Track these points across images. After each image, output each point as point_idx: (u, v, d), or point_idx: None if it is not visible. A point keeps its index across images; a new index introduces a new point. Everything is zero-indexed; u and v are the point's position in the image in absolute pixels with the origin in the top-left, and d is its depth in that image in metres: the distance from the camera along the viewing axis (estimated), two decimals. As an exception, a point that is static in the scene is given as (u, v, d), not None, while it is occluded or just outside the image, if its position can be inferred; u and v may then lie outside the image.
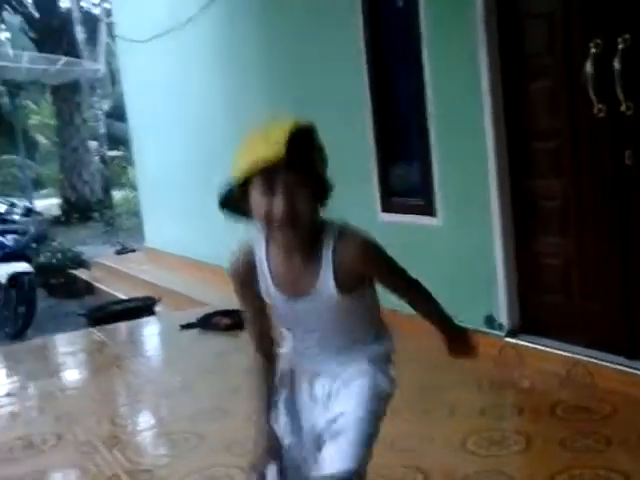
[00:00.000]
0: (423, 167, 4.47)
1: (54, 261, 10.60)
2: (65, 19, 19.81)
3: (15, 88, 14.47)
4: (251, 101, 6.43)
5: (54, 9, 20.24)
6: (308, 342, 1.91)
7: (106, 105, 23.21)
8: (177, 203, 8.56)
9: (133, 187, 12.78)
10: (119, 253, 11.64)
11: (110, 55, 20.40)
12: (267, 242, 1.81)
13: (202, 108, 7.49)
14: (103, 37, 19.88)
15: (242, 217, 1.77)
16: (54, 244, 11.33)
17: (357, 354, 1.89)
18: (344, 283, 1.77)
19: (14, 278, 7.97)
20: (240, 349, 4.66)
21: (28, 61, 14.62)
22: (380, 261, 1.85)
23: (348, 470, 1.75)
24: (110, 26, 13.35)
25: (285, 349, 1.98)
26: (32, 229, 8.67)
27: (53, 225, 14.61)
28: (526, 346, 3.86)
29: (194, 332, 5.54)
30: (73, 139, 19.74)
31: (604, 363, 3.42)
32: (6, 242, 8.26)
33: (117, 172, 20.04)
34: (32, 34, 20.41)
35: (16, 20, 22.44)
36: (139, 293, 7.94)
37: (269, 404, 1.93)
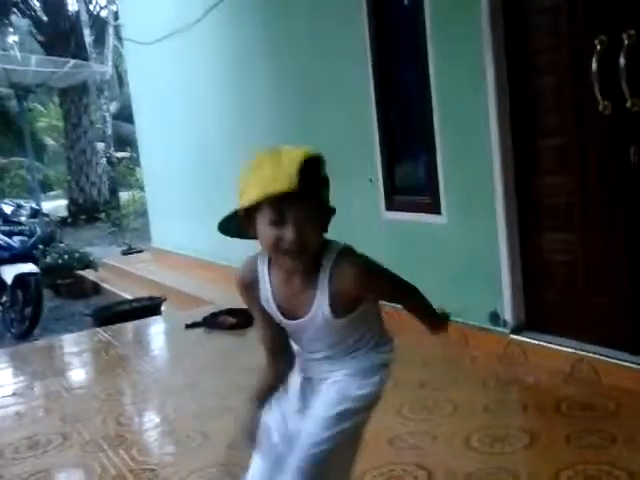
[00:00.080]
0: (428, 165, 4.46)
1: (61, 262, 10.62)
2: (73, 22, 19.89)
3: (23, 91, 14.48)
4: (257, 101, 6.44)
5: (62, 12, 20.35)
6: (310, 350, 1.94)
7: (113, 107, 23.26)
8: (183, 204, 8.58)
9: (140, 188, 12.80)
10: (126, 253, 11.68)
11: (118, 57, 20.47)
12: (269, 261, 1.85)
13: (209, 109, 7.50)
14: (110, 40, 19.91)
15: (242, 237, 1.82)
16: (61, 245, 11.36)
17: (348, 362, 1.92)
18: (339, 308, 1.81)
19: (21, 279, 7.99)
20: (245, 348, 4.67)
21: (36, 64, 14.63)
22: (379, 284, 1.88)
23: None
24: (118, 29, 13.37)
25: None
26: (39, 230, 8.68)
27: (60, 226, 14.64)
28: (531, 343, 3.85)
29: (199, 331, 5.54)
30: (81, 141, 19.83)
31: (609, 360, 3.40)
32: (13, 243, 8.28)
33: (124, 173, 20.08)
34: (40, 37, 20.52)
35: (24, 23, 22.56)
36: (145, 293, 7.95)
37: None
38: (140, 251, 11.34)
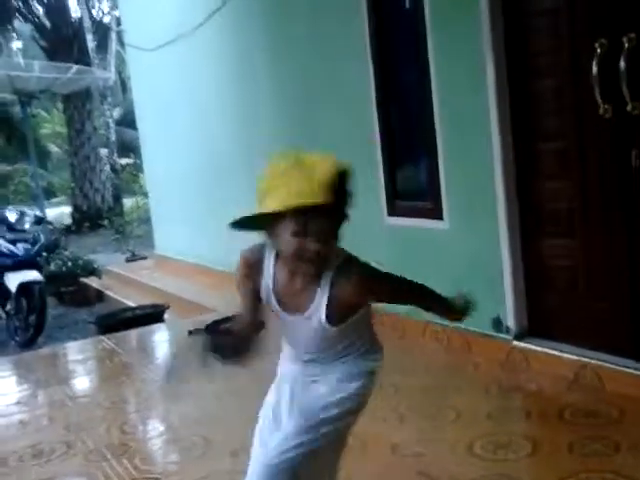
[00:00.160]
0: (429, 169, 4.46)
1: (65, 269, 10.63)
2: (76, 28, 19.94)
3: (27, 97, 14.52)
4: (260, 105, 6.44)
5: (65, 18, 20.41)
6: (297, 350, 1.98)
7: (116, 113, 23.32)
8: (186, 210, 8.58)
9: (144, 194, 12.81)
10: (129, 261, 11.69)
11: (121, 63, 20.51)
12: (277, 255, 1.86)
13: (211, 115, 7.51)
14: (113, 45, 19.98)
15: (253, 232, 1.83)
16: (65, 252, 11.36)
17: (337, 367, 1.95)
18: (335, 315, 1.83)
19: (25, 287, 7.99)
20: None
21: (39, 70, 14.68)
22: (380, 288, 1.89)
23: None
24: (120, 34, 13.41)
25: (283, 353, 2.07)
26: (42, 238, 8.69)
27: (64, 233, 14.67)
28: (533, 349, 3.84)
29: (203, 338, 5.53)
30: (84, 147, 19.87)
31: (612, 366, 3.39)
32: (17, 251, 8.28)
33: (128, 180, 20.09)
34: (43, 43, 20.57)
35: (27, 29, 22.62)
36: (149, 300, 7.96)
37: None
38: (144, 258, 11.35)
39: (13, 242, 8.39)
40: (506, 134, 3.85)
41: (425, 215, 4.53)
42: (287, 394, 1.99)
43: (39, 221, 9.30)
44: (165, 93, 8.68)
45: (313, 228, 1.69)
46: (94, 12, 20.90)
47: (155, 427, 4.01)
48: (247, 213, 1.78)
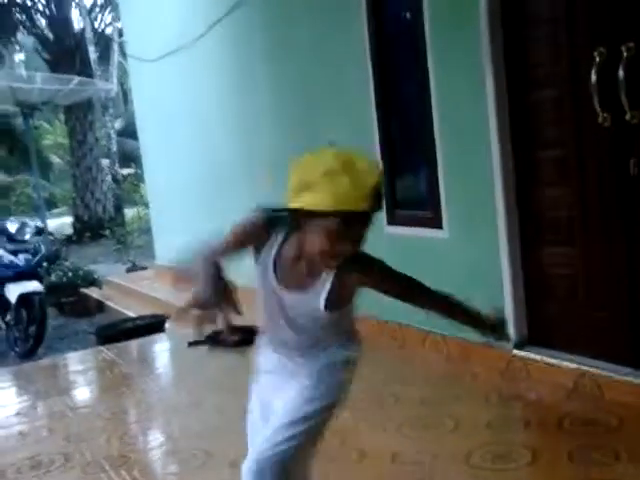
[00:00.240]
0: (429, 178, 4.46)
1: (65, 280, 10.62)
2: (78, 39, 20.04)
3: (29, 109, 14.54)
4: (260, 116, 6.45)
5: (67, 30, 20.48)
6: (281, 335, 1.98)
7: (118, 124, 23.40)
8: (187, 221, 8.58)
9: (145, 205, 12.82)
10: (130, 271, 11.68)
11: (122, 74, 20.60)
12: (288, 235, 1.84)
13: (212, 125, 7.52)
14: (115, 57, 20.08)
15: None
16: (66, 263, 11.36)
17: (319, 355, 1.97)
18: (334, 303, 1.85)
19: (25, 298, 7.97)
20: (249, 366, 4.65)
21: (41, 82, 14.70)
22: (383, 277, 1.88)
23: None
24: (122, 46, 13.46)
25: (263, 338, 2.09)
26: (43, 248, 8.69)
27: (65, 244, 14.67)
28: (533, 358, 3.82)
29: (203, 349, 5.52)
30: (86, 158, 19.91)
31: (612, 375, 3.38)
32: (17, 261, 8.29)
33: (129, 190, 20.14)
34: (46, 55, 20.65)
35: (30, 41, 22.72)
36: (149, 311, 7.94)
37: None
38: (144, 268, 11.34)
39: (14, 253, 8.40)
40: (505, 143, 3.85)
41: (425, 224, 4.54)
42: (270, 386, 2.03)
43: (40, 232, 9.33)
44: (166, 104, 8.70)
45: (350, 233, 1.70)
46: (96, 24, 20.99)
47: (155, 438, 4.00)
48: (286, 205, 1.74)
